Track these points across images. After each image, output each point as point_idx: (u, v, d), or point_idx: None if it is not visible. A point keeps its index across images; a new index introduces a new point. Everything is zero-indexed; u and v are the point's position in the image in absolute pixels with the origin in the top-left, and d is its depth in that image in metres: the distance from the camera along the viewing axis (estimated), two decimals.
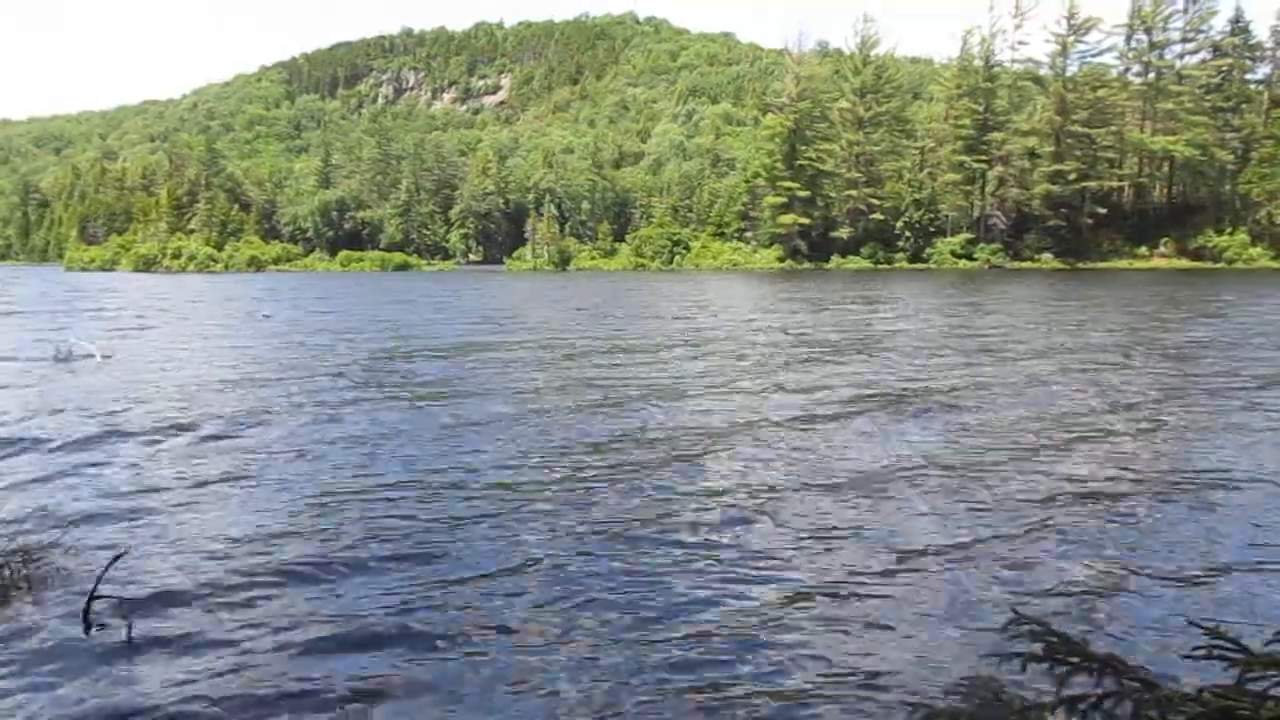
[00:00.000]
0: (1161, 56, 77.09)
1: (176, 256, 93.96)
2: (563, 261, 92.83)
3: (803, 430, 10.51)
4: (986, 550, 6.35)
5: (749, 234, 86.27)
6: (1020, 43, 78.52)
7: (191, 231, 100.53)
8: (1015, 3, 77.77)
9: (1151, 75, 77.53)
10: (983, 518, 7.11)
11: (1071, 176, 72.42)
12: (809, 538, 6.65)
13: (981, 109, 77.54)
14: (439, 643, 4.97)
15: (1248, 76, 75.68)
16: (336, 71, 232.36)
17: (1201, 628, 1.89)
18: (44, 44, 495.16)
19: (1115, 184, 75.23)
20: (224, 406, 12.42)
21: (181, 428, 10.89)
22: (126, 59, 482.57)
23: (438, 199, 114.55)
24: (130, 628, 5.03)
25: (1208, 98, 72.44)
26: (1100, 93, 74.20)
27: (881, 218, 78.72)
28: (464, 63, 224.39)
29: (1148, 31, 76.61)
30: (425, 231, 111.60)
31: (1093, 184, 72.67)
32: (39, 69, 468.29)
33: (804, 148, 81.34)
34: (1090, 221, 72.83)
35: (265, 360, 18.02)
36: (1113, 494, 7.77)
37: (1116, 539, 6.59)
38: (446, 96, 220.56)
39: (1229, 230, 69.10)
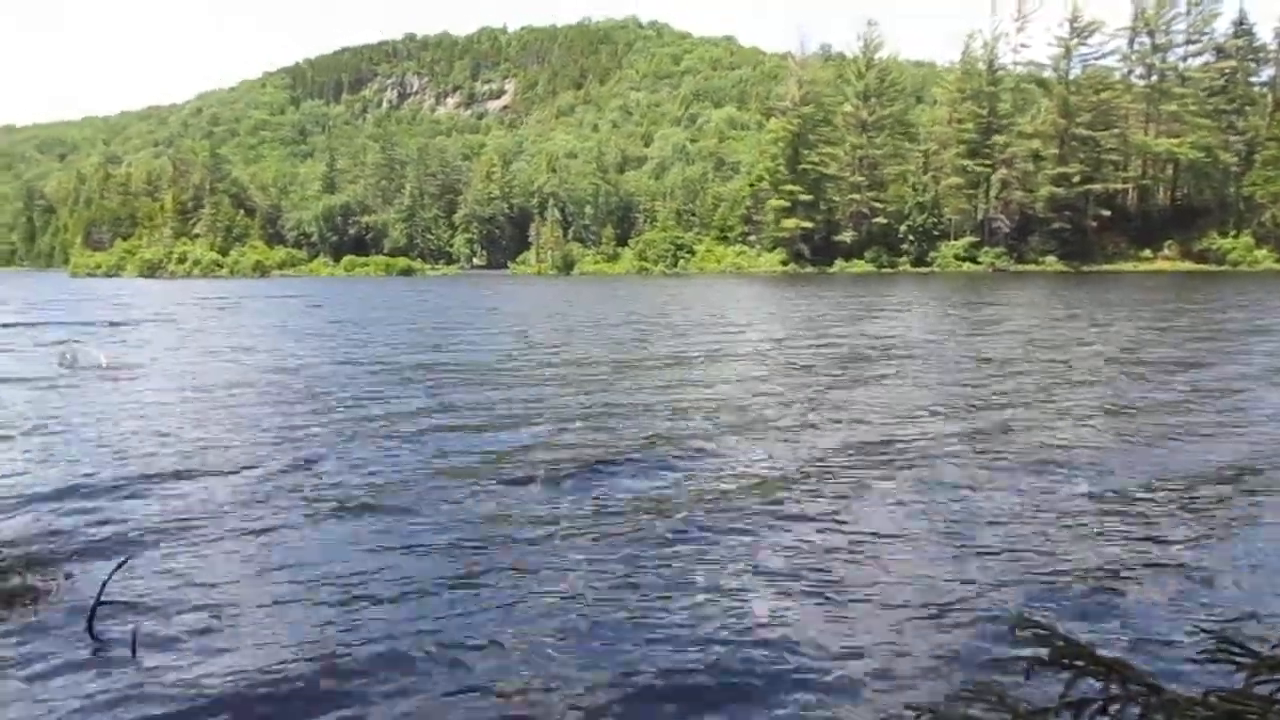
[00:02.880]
0: (1165, 59, 77.03)
1: (181, 261, 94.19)
2: (566, 266, 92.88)
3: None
4: (992, 552, 6.34)
5: (752, 238, 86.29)
6: (1023, 46, 78.68)
7: (196, 237, 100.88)
8: (1018, 6, 77.86)
9: (1155, 78, 77.45)
10: (988, 519, 7.09)
11: (1075, 179, 72.34)
12: (815, 536, 6.65)
13: (985, 112, 77.52)
14: (451, 655, 4.97)
15: (1251, 79, 75.64)
16: (340, 76, 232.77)
17: (1208, 631, 1.89)
18: (48, 48, 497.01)
19: (1119, 186, 75.16)
20: (233, 415, 12.44)
21: (189, 436, 10.91)
22: (131, 65, 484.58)
23: (441, 203, 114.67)
24: (135, 636, 5.03)
25: (1211, 100, 72.36)
26: (1104, 95, 74.17)
27: (885, 221, 78.72)
28: (468, 67, 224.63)
29: (1151, 34, 76.56)
30: (429, 236, 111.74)
31: (1097, 186, 72.58)
32: (43, 74, 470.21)
33: (807, 151, 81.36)
34: (1094, 224, 72.73)
35: (272, 366, 18.04)
36: (1119, 496, 7.76)
37: (1123, 542, 6.57)
38: (450, 101, 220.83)
39: (1233, 233, 69.00)
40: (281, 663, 4.80)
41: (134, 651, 4.92)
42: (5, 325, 29.62)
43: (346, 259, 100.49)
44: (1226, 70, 73.79)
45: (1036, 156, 75.54)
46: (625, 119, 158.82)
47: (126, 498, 8.03)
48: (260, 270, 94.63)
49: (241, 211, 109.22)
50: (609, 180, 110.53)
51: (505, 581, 5.93)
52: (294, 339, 24.39)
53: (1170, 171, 76.84)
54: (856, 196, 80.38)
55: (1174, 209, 75.51)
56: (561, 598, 5.63)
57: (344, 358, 19.23)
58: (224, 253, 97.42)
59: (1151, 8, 75.81)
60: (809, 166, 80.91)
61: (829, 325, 26.31)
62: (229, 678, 4.63)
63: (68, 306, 40.56)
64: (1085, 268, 69.85)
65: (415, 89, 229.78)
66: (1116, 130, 74.20)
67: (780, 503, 7.66)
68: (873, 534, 6.81)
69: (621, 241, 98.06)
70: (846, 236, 79.90)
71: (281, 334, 26.18)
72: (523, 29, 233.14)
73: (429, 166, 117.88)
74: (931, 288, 48.37)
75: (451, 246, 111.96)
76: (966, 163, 76.24)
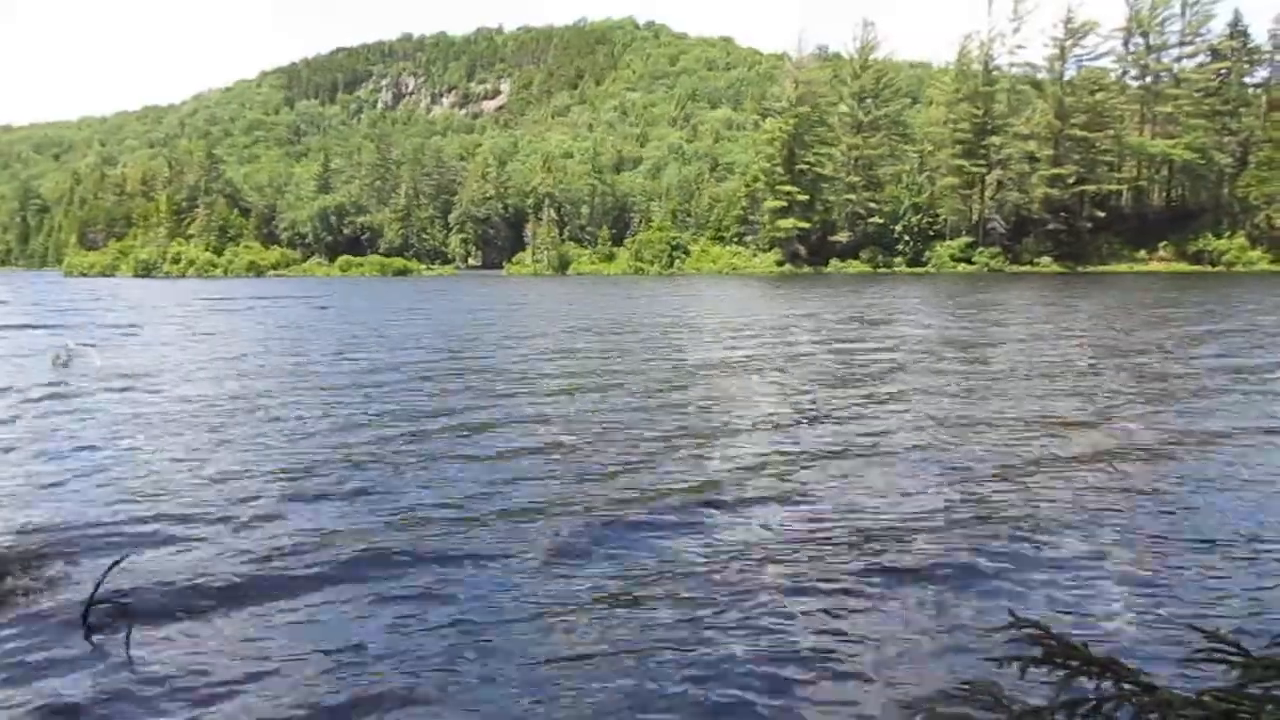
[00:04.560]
0: (1159, 60, 77.15)
1: (176, 262, 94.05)
2: (562, 266, 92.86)
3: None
4: (988, 554, 6.35)
5: (748, 238, 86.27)
6: (1018, 47, 78.56)
7: (191, 237, 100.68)
8: (1013, 7, 77.93)
9: (1149, 79, 77.60)
10: (985, 522, 7.11)
11: (1070, 180, 72.42)
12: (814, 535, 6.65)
13: (980, 113, 77.55)
14: (453, 657, 4.96)
15: (1246, 79, 75.65)
16: (336, 77, 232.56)
17: (1201, 630, 1.89)
18: (45, 48, 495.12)
19: (1114, 187, 75.24)
20: (229, 416, 12.42)
21: (184, 437, 10.88)
22: (127, 65, 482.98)
23: (437, 204, 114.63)
24: (129, 633, 5.03)
25: (1206, 101, 72.42)
26: (1098, 96, 74.23)
27: (880, 222, 78.75)
28: (463, 68, 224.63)
29: (1145, 35, 76.67)
30: (424, 236, 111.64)
31: (1091, 187, 72.66)
32: (40, 74, 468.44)
33: (803, 152, 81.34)
34: (1089, 225, 72.79)
35: (269, 369, 18.03)
36: (1117, 497, 7.77)
37: (1119, 542, 6.59)
38: (446, 101, 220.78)
39: (1228, 233, 69.09)
40: (278, 662, 4.79)
41: (128, 650, 4.91)
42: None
43: (342, 259, 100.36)
44: (1221, 71, 73.87)
45: (1031, 157, 75.53)
46: (621, 119, 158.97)
47: (121, 497, 8.01)
48: (255, 270, 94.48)
49: (236, 211, 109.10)
50: (605, 180, 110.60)
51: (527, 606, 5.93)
52: (291, 341, 24.34)
53: (1165, 173, 76.96)
54: (852, 197, 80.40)
55: (1169, 210, 75.64)
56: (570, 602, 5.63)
57: (346, 362, 19.21)
58: (218, 253, 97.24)
59: (1146, 9, 75.95)
60: (805, 167, 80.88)
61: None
62: (223, 676, 4.62)
63: (61, 305, 40.42)
64: (1080, 268, 69.96)
65: (411, 89, 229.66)
66: (1111, 131, 74.20)
67: (777, 497, 7.68)
68: (872, 536, 6.82)
69: (617, 241, 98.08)
70: (842, 237, 79.94)
71: (276, 336, 26.12)
72: (519, 29, 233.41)
73: (424, 167, 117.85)
74: (940, 288, 48.42)
75: (447, 246, 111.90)
76: (962, 163, 76.27)
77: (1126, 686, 1.74)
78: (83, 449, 10.03)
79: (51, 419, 11.89)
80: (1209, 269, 66.29)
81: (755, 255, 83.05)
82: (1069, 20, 76.16)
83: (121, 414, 12.26)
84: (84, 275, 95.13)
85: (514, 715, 4.27)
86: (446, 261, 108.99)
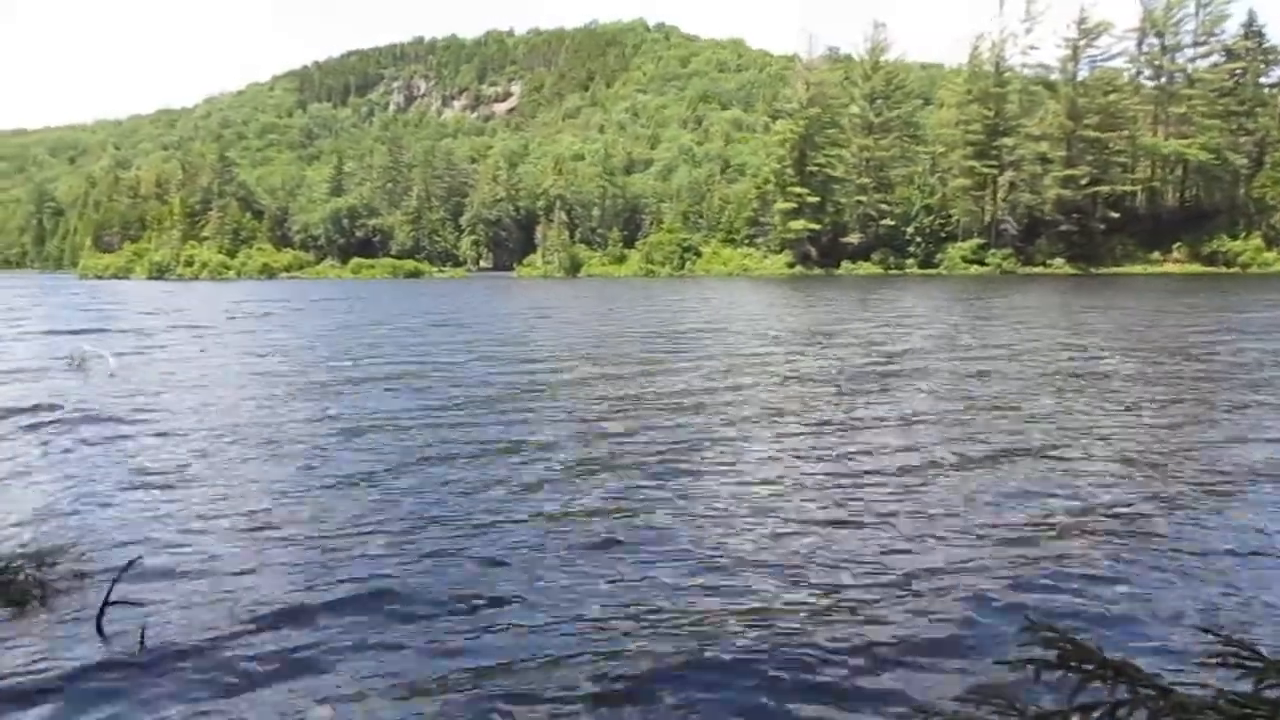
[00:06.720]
0: (1173, 60, 76.59)
1: (190, 264, 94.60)
2: (573, 268, 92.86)
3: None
4: (1000, 556, 6.31)
5: (759, 240, 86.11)
6: (1031, 48, 78.30)
7: (204, 239, 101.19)
8: (1025, 7, 77.60)
9: (1163, 79, 77.05)
10: (993, 524, 7.07)
11: (1083, 181, 71.98)
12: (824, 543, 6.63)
13: (992, 114, 77.21)
14: (463, 654, 4.97)
15: (1261, 80, 74.99)
16: (348, 80, 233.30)
17: (1216, 634, 1.88)
18: (60, 52, 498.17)
19: (1128, 188, 74.73)
20: (239, 414, 12.47)
21: (197, 437, 10.94)
22: (141, 68, 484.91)
23: (448, 206, 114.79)
24: (143, 635, 5.05)
25: (1221, 101, 71.85)
26: (1111, 97, 73.76)
27: (892, 223, 78.51)
28: (474, 70, 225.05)
29: (1159, 35, 76.15)
30: (436, 238, 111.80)
31: (1105, 188, 72.19)
32: (55, 77, 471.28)
33: (814, 153, 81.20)
34: (1103, 226, 72.33)
35: (282, 371, 18.10)
36: (1126, 501, 7.72)
37: (1131, 545, 6.54)
38: (457, 104, 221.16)
39: (1243, 234, 68.52)
40: (289, 664, 4.80)
41: (143, 649, 4.93)
42: (15, 330, 29.72)
43: (354, 261, 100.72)
44: (1236, 71, 73.27)
45: (1044, 158, 75.06)
46: (632, 121, 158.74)
47: (135, 500, 8.06)
48: (268, 273, 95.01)
49: (249, 214, 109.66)
50: (615, 182, 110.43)
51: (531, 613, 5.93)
52: (305, 345, 24.43)
53: (1179, 173, 76.39)
54: (863, 198, 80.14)
55: (1183, 211, 75.06)
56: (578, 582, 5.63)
57: (353, 363, 19.27)
58: (232, 255, 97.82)
59: (1160, 9, 75.45)
60: (816, 168, 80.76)
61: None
62: (235, 677, 4.64)
63: (76, 307, 40.67)
64: (1093, 270, 69.51)
65: (422, 92, 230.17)
66: (1125, 132, 73.71)
67: (796, 494, 7.66)
68: (886, 536, 6.79)
69: (628, 243, 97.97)
70: (853, 238, 79.68)
71: (289, 340, 26.23)
72: (529, 32, 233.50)
73: (435, 169, 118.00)
74: (961, 291, 48.23)
75: (458, 249, 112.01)
76: (974, 164, 75.91)
77: (1141, 690, 1.73)
78: (97, 451, 10.09)
79: (66, 422, 11.96)
80: (1224, 270, 65.74)
81: (766, 257, 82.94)
82: (1082, 21, 75.80)
83: (136, 416, 12.33)
84: (99, 278, 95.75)
85: None
86: (458, 264, 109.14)
